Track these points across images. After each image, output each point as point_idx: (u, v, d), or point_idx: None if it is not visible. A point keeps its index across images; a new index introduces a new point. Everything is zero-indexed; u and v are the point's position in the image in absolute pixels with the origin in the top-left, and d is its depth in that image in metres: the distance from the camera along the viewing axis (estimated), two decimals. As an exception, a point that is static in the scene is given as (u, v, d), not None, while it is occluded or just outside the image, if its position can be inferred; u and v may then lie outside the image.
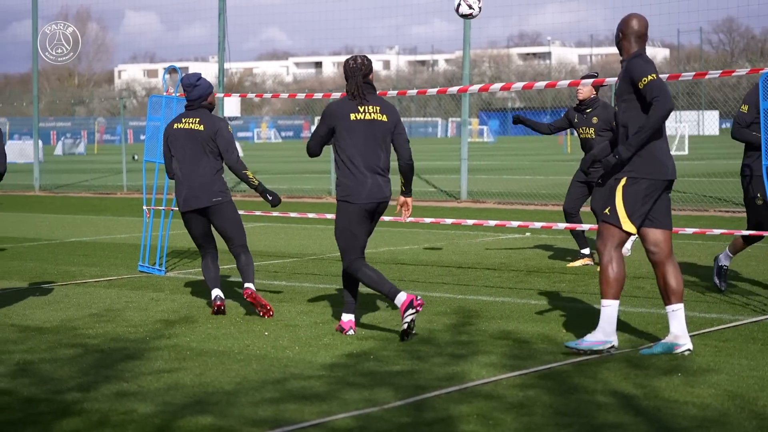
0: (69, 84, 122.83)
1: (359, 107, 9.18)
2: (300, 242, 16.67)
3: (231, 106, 31.97)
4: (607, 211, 8.38)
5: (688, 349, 8.24)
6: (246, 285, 10.39)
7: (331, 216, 14.16)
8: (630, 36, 8.50)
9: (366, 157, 9.11)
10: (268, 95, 14.59)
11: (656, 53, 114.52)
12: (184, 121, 10.74)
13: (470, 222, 13.12)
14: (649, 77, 8.22)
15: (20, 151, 58.21)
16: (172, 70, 14.54)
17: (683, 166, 39.62)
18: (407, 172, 9.33)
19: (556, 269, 13.33)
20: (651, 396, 6.98)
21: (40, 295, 11.61)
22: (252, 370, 7.85)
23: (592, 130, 13.32)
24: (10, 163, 54.63)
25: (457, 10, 10.96)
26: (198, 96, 10.77)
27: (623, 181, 8.33)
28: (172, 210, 13.69)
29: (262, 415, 6.60)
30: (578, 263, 13.59)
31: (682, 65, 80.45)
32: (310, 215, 14.22)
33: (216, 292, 10.52)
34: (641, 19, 8.54)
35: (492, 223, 12.83)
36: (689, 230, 12.02)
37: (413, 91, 14.50)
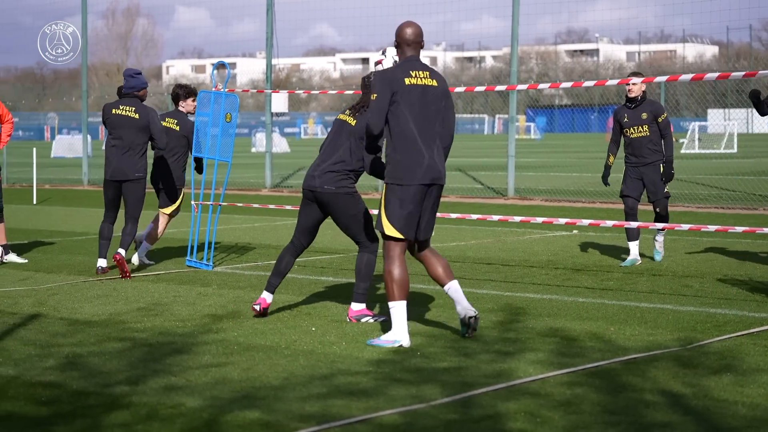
0: (117, 79, 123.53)
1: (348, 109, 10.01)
2: (347, 238, 16.67)
3: (279, 102, 32.07)
4: (375, 221, 8.82)
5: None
6: (118, 250, 12.68)
7: (376, 212, 14.16)
8: (402, 44, 8.84)
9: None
10: (315, 92, 14.62)
11: (705, 51, 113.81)
12: (121, 108, 13.06)
13: (517, 219, 13.09)
14: (372, 97, 8.63)
15: (69, 145, 58.65)
16: (220, 66, 14.59)
17: (732, 164, 39.38)
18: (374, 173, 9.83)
19: (604, 267, 13.27)
20: (700, 395, 6.94)
21: (89, 289, 11.69)
22: (299, 365, 7.87)
23: None
24: (60, 158, 55.04)
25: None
26: (133, 86, 13.07)
27: (384, 188, 8.71)
28: (220, 205, 13.75)
29: (309, 411, 6.61)
30: None
31: (731, 63, 79.84)
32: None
33: (102, 262, 12.96)
34: (413, 27, 8.84)
35: (539, 220, 12.79)
36: (739, 229, 11.92)
37: (461, 89, 14.49)
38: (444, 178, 8.73)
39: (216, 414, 6.54)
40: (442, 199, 25.34)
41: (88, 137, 34.78)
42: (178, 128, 13.91)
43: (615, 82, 11.65)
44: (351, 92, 13.96)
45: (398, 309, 8.58)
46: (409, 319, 9.70)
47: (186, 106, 14.11)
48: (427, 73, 8.75)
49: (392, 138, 8.61)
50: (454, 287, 8.83)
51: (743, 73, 10.71)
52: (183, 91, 14.03)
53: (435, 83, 8.75)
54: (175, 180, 14.02)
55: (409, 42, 8.80)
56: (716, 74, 10.77)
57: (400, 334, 8.54)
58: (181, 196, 14.13)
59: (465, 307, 8.78)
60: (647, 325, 9.39)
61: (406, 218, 8.62)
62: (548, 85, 12.29)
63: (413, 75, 8.67)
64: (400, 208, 8.59)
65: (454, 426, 6.30)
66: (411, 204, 8.60)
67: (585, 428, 6.25)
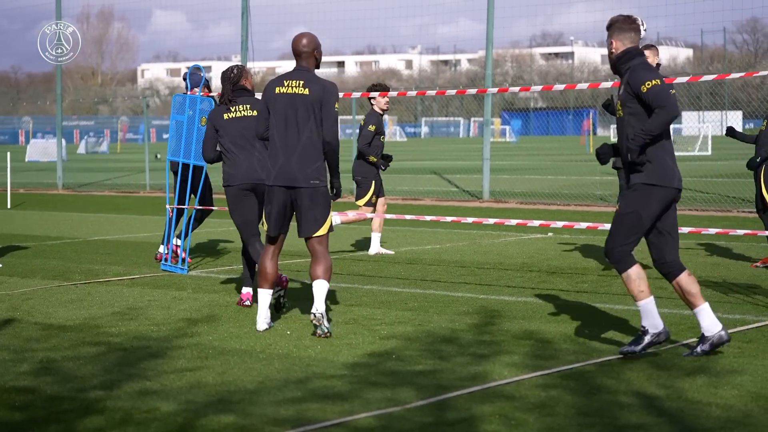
0: (92, 83, 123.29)
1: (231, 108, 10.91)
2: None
3: (253, 105, 32.01)
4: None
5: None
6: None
7: (353, 215, 14.20)
8: (294, 54, 9.42)
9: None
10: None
11: (679, 53, 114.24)
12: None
13: (492, 221, 13.11)
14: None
15: (43, 149, 58.44)
16: (195, 70, 14.55)
17: (706, 166, 39.54)
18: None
19: (579, 269, 13.30)
20: (674, 397, 6.96)
21: (63, 294, 11.65)
22: (274, 369, 7.86)
23: None
24: (34, 162, 54.85)
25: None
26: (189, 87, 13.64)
27: None
28: (195, 209, 13.72)
29: (284, 414, 6.61)
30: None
31: (705, 65, 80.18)
32: (332, 214, 14.23)
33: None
34: (305, 38, 9.40)
35: (513, 222, 12.81)
36: (712, 230, 11.98)
37: (432, 92, 14.61)
38: (300, 180, 9.18)
39: (191, 418, 6.53)
40: (417, 203, 25.46)
41: (63, 141, 34.69)
42: (374, 128, 14.94)
43: (585, 85, 11.67)
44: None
45: (260, 295, 9.42)
46: (384, 322, 9.71)
47: (377, 103, 15.01)
48: (302, 82, 9.20)
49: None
50: (318, 284, 9.26)
51: (714, 75, 10.77)
52: (378, 88, 14.75)
53: (306, 92, 9.14)
54: (361, 173, 15.19)
55: (298, 53, 9.33)
56: (687, 77, 10.84)
57: (258, 319, 9.39)
58: (369, 190, 15.11)
59: (315, 305, 9.19)
60: (622, 327, 9.42)
61: (269, 216, 9.32)
62: (519, 88, 12.38)
63: (285, 84, 9.22)
64: (267, 207, 9.37)
65: (429, 429, 6.31)
66: (269, 204, 9.31)
67: (560, 430, 6.26)
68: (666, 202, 8.23)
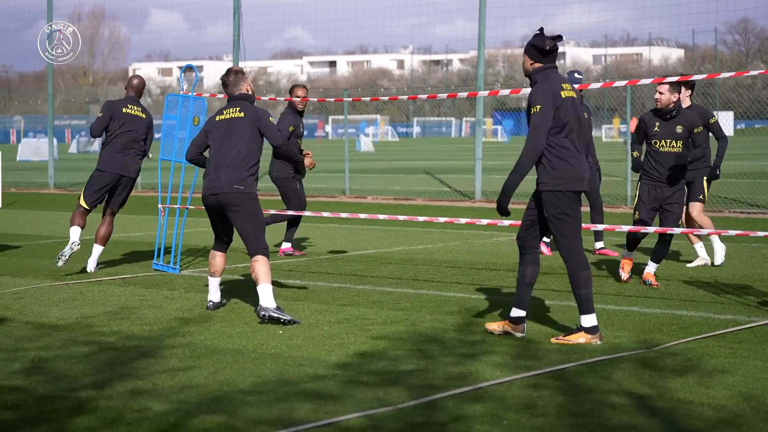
0: (83, 82, 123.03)
1: None
2: (314, 241, 16.69)
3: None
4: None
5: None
6: None
7: (345, 215, 14.20)
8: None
9: None
10: (281, 99, 14.67)
11: (671, 53, 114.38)
12: None
13: (484, 222, 13.11)
14: None
15: (35, 149, 58.38)
16: (188, 69, 14.54)
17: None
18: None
19: (570, 269, 13.28)
20: (665, 397, 6.97)
21: (55, 293, 11.64)
22: (266, 369, 7.86)
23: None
24: (26, 161, 54.78)
25: None
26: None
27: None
28: (187, 208, 13.71)
29: (276, 414, 6.61)
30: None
31: (696, 66, 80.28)
32: (325, 214, 14.24)
33: None
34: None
35: (506, 223, 12.81)
36: (705, 231, 11.99)
37: (424, 96, 14.62)
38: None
39: (182, 418, 6.53)
40: (409, 203, 25.48)
41: (54, 140, 34.64)
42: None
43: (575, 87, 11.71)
44: (315, 99, 13.97)
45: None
46: (376, 322, 9.71)
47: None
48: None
49: None
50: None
51: (705, 75, 10.80)
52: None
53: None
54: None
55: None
56: (676, 77, 10.86)
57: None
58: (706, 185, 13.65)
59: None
60: (613, 327, 9.43)
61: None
62: (509, 91, 12.49)
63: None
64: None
65: (420, 429, 6.31)
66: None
67: (551, 430, 6.27)
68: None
